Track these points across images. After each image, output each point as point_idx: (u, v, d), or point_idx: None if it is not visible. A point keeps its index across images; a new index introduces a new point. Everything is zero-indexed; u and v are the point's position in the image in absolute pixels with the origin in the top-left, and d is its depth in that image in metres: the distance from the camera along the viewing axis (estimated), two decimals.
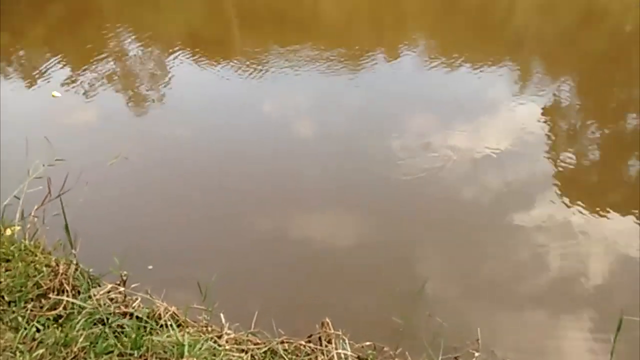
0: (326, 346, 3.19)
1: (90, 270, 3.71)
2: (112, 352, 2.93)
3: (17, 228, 4.07)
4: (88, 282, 3.49)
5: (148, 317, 3.28)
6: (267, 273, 4.83)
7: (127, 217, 5.66)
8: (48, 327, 3.07)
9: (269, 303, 4.22)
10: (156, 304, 3.39)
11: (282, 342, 3.23)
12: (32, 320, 3.13)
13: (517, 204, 5.63)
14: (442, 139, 6.71)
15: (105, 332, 3.01)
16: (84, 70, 8.97)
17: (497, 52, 9.20)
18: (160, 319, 3.27)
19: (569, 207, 5.61)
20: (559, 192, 5.84)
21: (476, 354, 3.40)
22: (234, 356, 3.07)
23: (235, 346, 3.16)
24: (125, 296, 3.43)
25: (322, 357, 3.15)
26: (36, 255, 3.71)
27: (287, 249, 5.14)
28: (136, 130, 7.50)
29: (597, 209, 5.57)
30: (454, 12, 11.60)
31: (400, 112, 7.42)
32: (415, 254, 5.07)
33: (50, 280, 3.44)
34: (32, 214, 4.15)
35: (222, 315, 3.33)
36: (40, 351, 2.86)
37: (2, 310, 3.22)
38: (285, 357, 3.14)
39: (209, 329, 3.31)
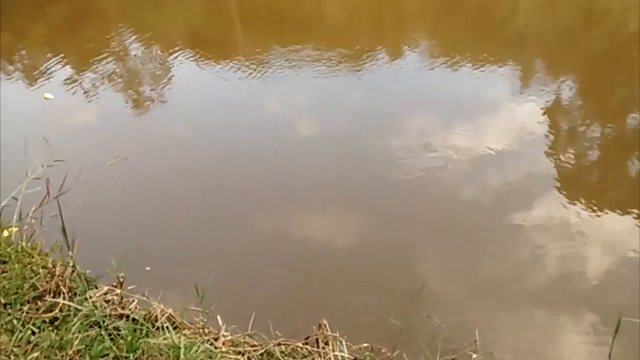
0: (323, 348, 3.18)
1: (87, 272, 3.70)
2: (107, 355, 2.91)
3: (15, 229, 4.06)
4: (85, 284, 3.48)
5: (144, 319, 3.27)
6: (265, 273, 4.82)
7: (126, 217, 5.65)
8: (43, 329, 3.06)
9: (266, 304, 4.23)
10: (153, 305, 3.38)
11: (279, 344, 3.21)
12: (28, 323, 3.12)
13: (517, 203, 5.60)
14: (443, 139, 6.70)
15: (100, 335, 3.00)
16: (85, 70, 8.98)
17: (498, 51, 9.18)
18: (156, 321, 3.26)
19: (569, 206, 5.59)
20: (559, 191, 5.82)
21: (474, 356, 3.38)
22: (230, 358, 3.06)
23: (232, 348, 3.15)
24: (121, 298, 3.42)
25: (319, 359, 3.13)
26: (33, 257, 3.70)
27: (286, 249, 5.13)
28: (136, 130, 7.50)
29: (598, 208, 5.56)
30: (455, 12, 11.59)
31: (400, 112, 7.41)
32: (415, 254, 5.05)
33: (46, 282, 3.43)
34: (30, 215, 4.15)
35: (218, 317, 3.32)
36: (35, 354, 2.85)
37: None
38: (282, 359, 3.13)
39: (206, 330, 3.30)
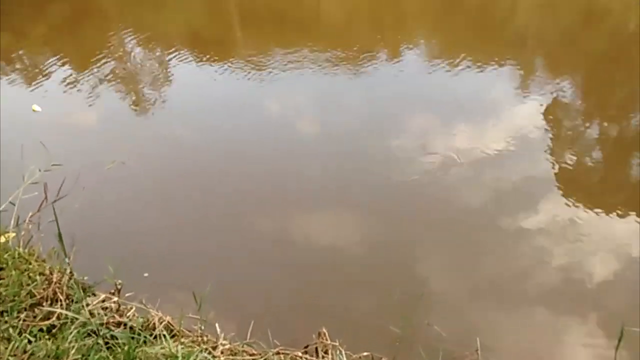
0: (323, 357, 3.15)
1: (85, 278, 3.68)
2: None
3: (12, 235, 4.02)
4: (82, 291, 3.44)
5: (142, 327, 3.24)
6: (264, 279, 4.78)
7: (125, 221, 5.61)
8: (40, 338, 3.03)
9: (266, 310, 4.20)
10: (151, 313, 3.35)
11: (278, 353, 3.18)
12: (25, 331, 3.08)
13: (518, 204, 5.58)
14: (443, 140, 6.68)
15: (97, 344, 2.97)
16: (83, 71, 8.94)
17: (498, 52, 9.15)
18: (154, 329, 3.23)
19: (570, 208, 5.57)
20: (560, 192, 5.80)
21: None
22: None
23: (231, 357, 3.12)
24: (119, 306, 3.39)
25: None
26: (30, 264, 3.67)
27: (285, 254, 5.09)
28: (134, 132, 7.46)
29: (599, 209, 5.53)
30: (455, 12, 11.56)
31: (400, 112, 7.39)
32: (415, 256, 5.03)
33: (43, 289, 3.40)
34: (27, 220, 4.12)
35: (217, 325, 3.29)
36: None
37: None
38: None
39: (204, 339, 3.26)
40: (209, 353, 3.08)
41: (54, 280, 3.44)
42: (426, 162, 6.26)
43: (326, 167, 6.34)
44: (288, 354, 3.17)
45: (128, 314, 3.33)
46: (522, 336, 4.29)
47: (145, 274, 4.55)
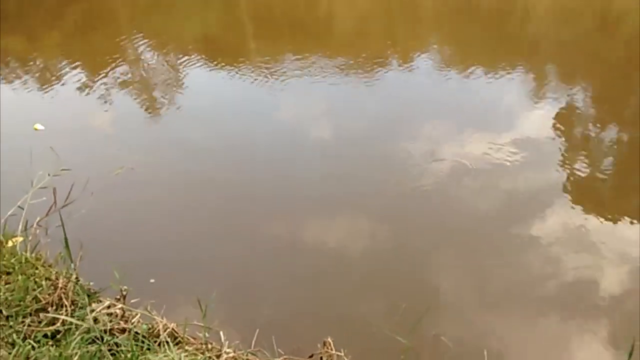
0: None
1: (91, 283, 3.67)
2: None
3: (20, 239, 4.03)
4: (87, 297, 3.43)
5: (147, 334, 3.22)
6: (271, 287, 4.75)
7: (133, 226, 5.60)
8: (44, 344, 3.02)
9: (272, 318, 4.17)
10: (156, 320, 3.32)
11: None
12: (29, 337, 3.08)
13: (530, 212, 5.52)
14: (454, 146, 6.64)
15: (100, 351, 2.95)
16: (97, 76, 8.99)
17: (512, 58, 9.11)
18: (159, 336, 3.21)
19: (582, 215, 5.52)
20: (572, 200, 5.75)
21: None
22: None
23: None
24: (124, 312, 3.37)
25: None
26: (37, 268, 3.67)
27: (292, 261, 5.06)
28: (144, 137, 7.48)
29: (612, 218, 5.48)
30: (468, 19, 11.52)
31: (413, 118, 7.37)
32: (425, 265, 4.99)
33: (49, 294, 3.39)
34: (35, 225, 4.14)
35: (221, 333, 3.26)
36: None
37: (0, 325, 3.17)
38: None
39: (209, 346, 3.24)
40: None
41: (60, 285, 3.43)
42: (437, 169, 6.22)
43: (335, 173, 6.30)
44: None
45: (133, 321, 3.31)
46: (530, 347, 4.23)
47: (152, 280, 4.53)
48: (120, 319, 3.33)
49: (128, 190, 5.91)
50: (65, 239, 3.52)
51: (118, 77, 8.97)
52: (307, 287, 4.76)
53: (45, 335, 3.13)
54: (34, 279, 3.54)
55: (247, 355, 3.17)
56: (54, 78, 9.07)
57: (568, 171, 6.24)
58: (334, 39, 11.00)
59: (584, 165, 6.36)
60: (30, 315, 3.29)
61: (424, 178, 6.07)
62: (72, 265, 3.57)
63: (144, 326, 3.27)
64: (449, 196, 5.87)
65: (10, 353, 2.90)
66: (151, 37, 10.63)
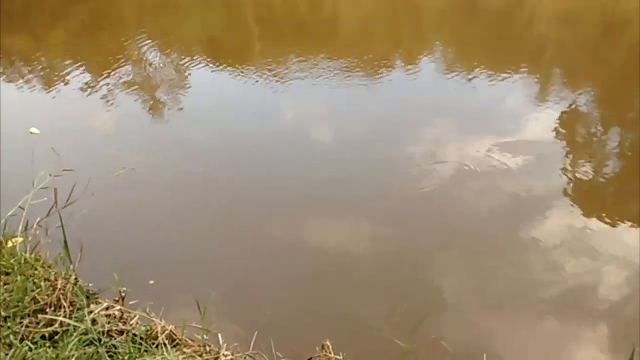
0: None
1: (90, 284, 3.66)
2: None
3: (20, 240, 4.02)
4: (86, 299, 3.42)
5: (145, 335, 3.21)
6: (271, 288, 4.73)
7: (134, 227, 5.60)
8: (41, 345, 3.00)
9: (271, 320, 4.15)
10: (154, 321, 3.31)
11: None
12: (27, 338, 3.07)
13: (533, 214, 5.51)
14: (458, 148, 6.62)
15: (97, 353, 2.94)
16: (100, 76, 9.00)
17: (516, 61, 9.09)
18: (157, 337, 3.19)
19: (584, 219, 5.49)
20: (574, 203, 5.72)
21: None
22: None
23: None
24: (122, 313, 3.35)
25: None
26: (36, 269, 3.65)
27: (292, 262, 5.05)
28: (147, 138, 7.48)
29: (615, 221, 5.45)
30: (472, 22, 11.50)
31: (416, 121, 7.36)
32: (428, 266, 4.96)
33: (47, 295, 3.38)
34: (35, 225, 4.13)
35: (219, 335, 3.24)
36: None
37: None
38: None
39: (207, 348, 3.22)
40: None
41: (59, 286, 3.42)
42: (440, 171, 6.20)
43: (338, 174, 6.29)
44: None
45: (131, 322, 3.29)
46: (531, 350, 4.20)
47: (151, 282, 4.52)
48: (119, 321, 3.31)
49: (130, 191, 5.91)
50: (65, 240, 3.51)
51: (121, 78, 8.98)
52: (308, 289, 4.75)
53: (43, 337, 3.12)
54: (32, 280, 3.53)
55: (244, 358, 3.15)
56: (57, 78, 9.09)
57: (570, 174, 6.21)
58: (337, 40, 10.98)
59: (587, 168, 6.33)
60: (29, 316, 3.28)
61: (425, 180, 6.05)
62: (71, 266, 3.56)
63: (142, 328, 3.26)
64: (451, 198, 5.85)
65: (7, 354, 2.88)
66: (156, 38, 10.65)
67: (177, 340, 3.25)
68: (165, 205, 5.87)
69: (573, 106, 7.74)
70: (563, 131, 7.07)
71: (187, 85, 9.04)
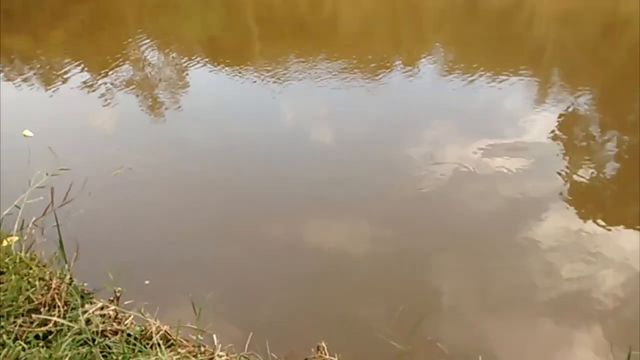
0: None
1: (85, 284, 3.63)
2: None
3: (15, 239, 4.00)
4: (81, 298, 3.40)
5: (139, 335, 3.18)
6: (268, 289, 4.71)
7: (130, 227, 5.58)
8: (34, 345, 2.98)
9: (267, 321, 4.12)
10: (149, 322, 3.28)
11: None
12: (20, 337, 3.04)
13: (532, 216, 5.50)
14: (457, 150, 6.62)
15: (91, 353, 2.92)
16: (99, 76, 8.98)
17: (516, 62, 9.08)
18: (151, 338, 3.17)
19: (583, 221, 5.48)
20: (573, 206, 5.72)
21: None
22: None
23: None
24: (117, 313, 3.33)
25: None
26: (31, 268, 3.63)
27: (291, 263, 5.04)
28: (146, 138, 7.47)
29: (613, 224, 5.44)
30: (472, 23, 11.49)
31: (415, 122, 7.35)
32: (427, 267, 4.95)
33: (42, 295, 3.35)
34: (30, 224, 4.10)
35: (214, 336, 3.22)
36: None
37: None
38: None
39: (202, 349, 3.19)
40: None
41: (53, 286, 3.40)
42: (439, 173, 6.18)
43: (337, 175, 6.28)
44: None
45: (126, 322, 3.27)
46: (529, 353, 4.18)
47: (147, 282, 4.50)
48: (113, 321, 3.29)
49: (127, 190, 5.89)
50: (60, 239, 3.49)
51: (120, 77, 8.96)
52: (306, 290, 4.73)
53: (37, 337, 3.09)
54: (27, 279, 3.50)
55: (239, 359, 3.12)
56: (55, 77, 9.06)
57: (569, 176, 6.20)
58: (337, 41, 10.97)
59: (586, 170, 6.32)
60: (23, 315, 3.25)
61: (424, 182, 6.04)
62: (66, 266, 3.53)
63: (137, 328, 3.23)
64: (450, 200, 5.84)
65: (0, 354, 2.86)
66: (156, 38, 10.64)
67: (171, 341, 3.22)
68: (163, 205, 5.85)
69: (572, 108, 7.73)
70: (562, 133, 7.06)
71: (187, 85, 9.04)
